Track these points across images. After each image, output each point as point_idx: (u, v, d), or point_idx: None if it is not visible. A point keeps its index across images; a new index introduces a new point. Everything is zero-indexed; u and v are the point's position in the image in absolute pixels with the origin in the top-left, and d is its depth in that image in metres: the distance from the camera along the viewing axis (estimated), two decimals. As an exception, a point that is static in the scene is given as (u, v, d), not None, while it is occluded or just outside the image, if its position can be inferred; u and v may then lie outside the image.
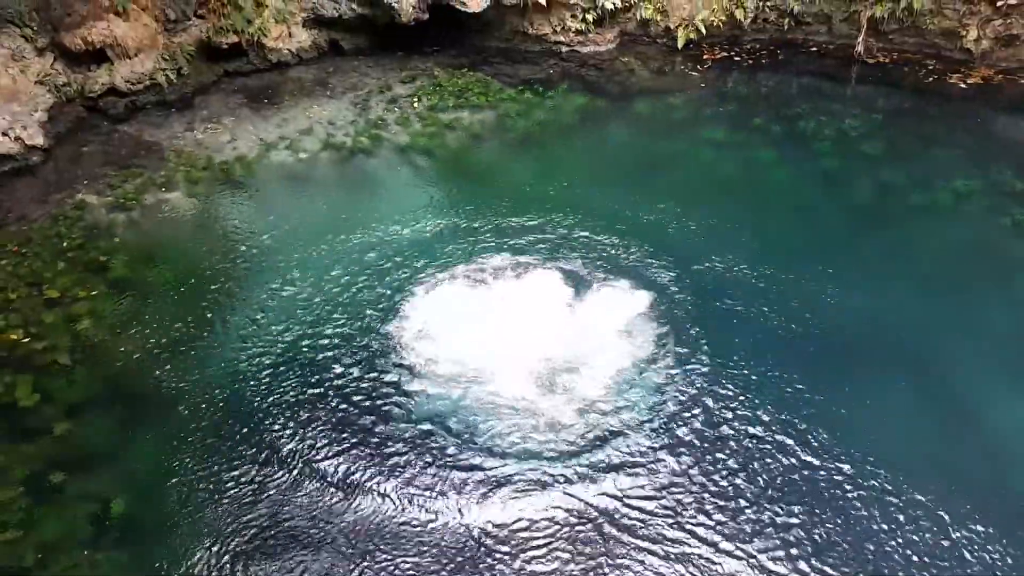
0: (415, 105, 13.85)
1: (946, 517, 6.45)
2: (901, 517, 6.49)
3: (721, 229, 10.11)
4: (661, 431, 7.30)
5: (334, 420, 7.61)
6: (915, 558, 6.17)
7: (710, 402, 7.59)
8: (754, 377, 7.89)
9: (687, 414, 7.47)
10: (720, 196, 10.91)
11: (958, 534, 6.33)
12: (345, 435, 7.44)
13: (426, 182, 11.74)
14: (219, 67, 14.96)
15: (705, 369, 7.96)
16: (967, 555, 6.18)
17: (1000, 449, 7.09)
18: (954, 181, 10.93)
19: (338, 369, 8.20)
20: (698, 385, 7.78)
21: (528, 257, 9.64)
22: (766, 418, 7.42)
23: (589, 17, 15.08)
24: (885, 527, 6.43)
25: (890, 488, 6.72)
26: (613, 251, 9.76)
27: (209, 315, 9.10)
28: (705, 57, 15.17)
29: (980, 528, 6.36)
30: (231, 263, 10.02)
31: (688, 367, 7.99)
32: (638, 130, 13.00)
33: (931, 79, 13.81)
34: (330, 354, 8.40)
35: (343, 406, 7.76)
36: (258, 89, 14.72)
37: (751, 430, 7.28)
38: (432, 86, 14.45)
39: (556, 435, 7.27)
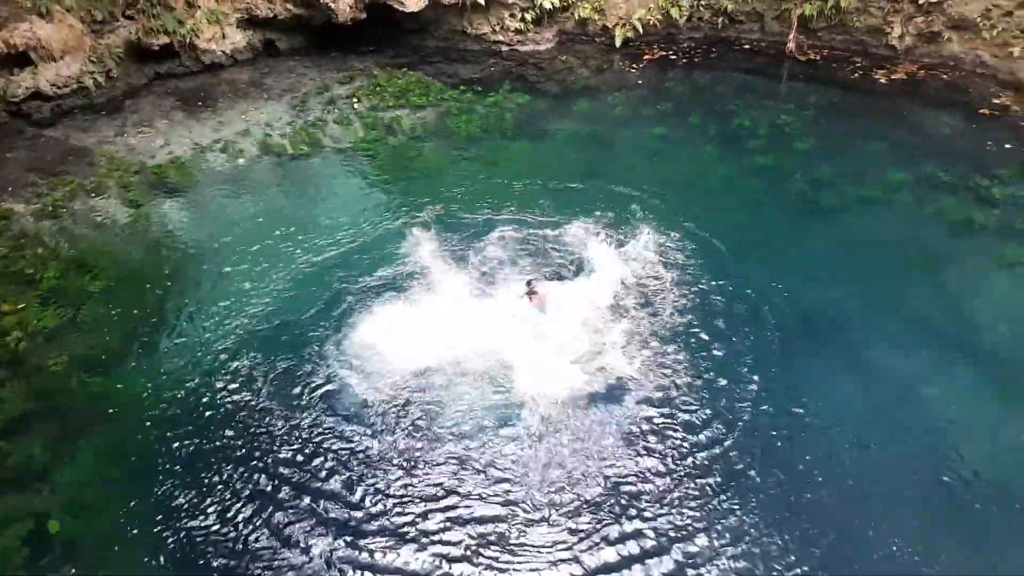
0: (355, 105, 13.71)
1: (867, 448, 6.77)
2: (831, 455, 7.04)
3: (663, 223, 10.26)
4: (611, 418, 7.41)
5: (276, 427, 7.47)
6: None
7: (665, 387, 7.73)
8: (703, 351, 8.16)
9: (642, 396, 7.60)
10: (661, 191, 11.05)
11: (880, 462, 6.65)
12: (289, 441, 7.31)
13: (368, 184, 11.63)
14: (150, 69, 14.56)
15: (652, 353, 8.09)
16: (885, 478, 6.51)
17: (924, 410, 7.50)
18: (884, 173, 11.32)
19: (278, 375, 8.05)
20: (654, 369, 7.92)
21: (472, 256, 9.63)
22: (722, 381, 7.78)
23: (528, 16, 15.17)
24: (816, 465, 6.91)
25: (821, 428, 7.30)
26: (559, 247, 9.81)
27: (145, 324, 8.84)
28: (643, 55, 15.39)
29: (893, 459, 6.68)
30: (167, 270, 9.76)
31: (641, 352, 8.11)
32: (580, 128, 13.10)
33: (858, 75, 14.29)
34: (271, 360, 8.24)
35: (283, 412, 7.62)
36: (191, 91, 14.37)
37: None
38: (371, 86, 14.32)
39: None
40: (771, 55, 15.21)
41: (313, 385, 7.89)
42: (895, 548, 6.29)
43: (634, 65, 15.10)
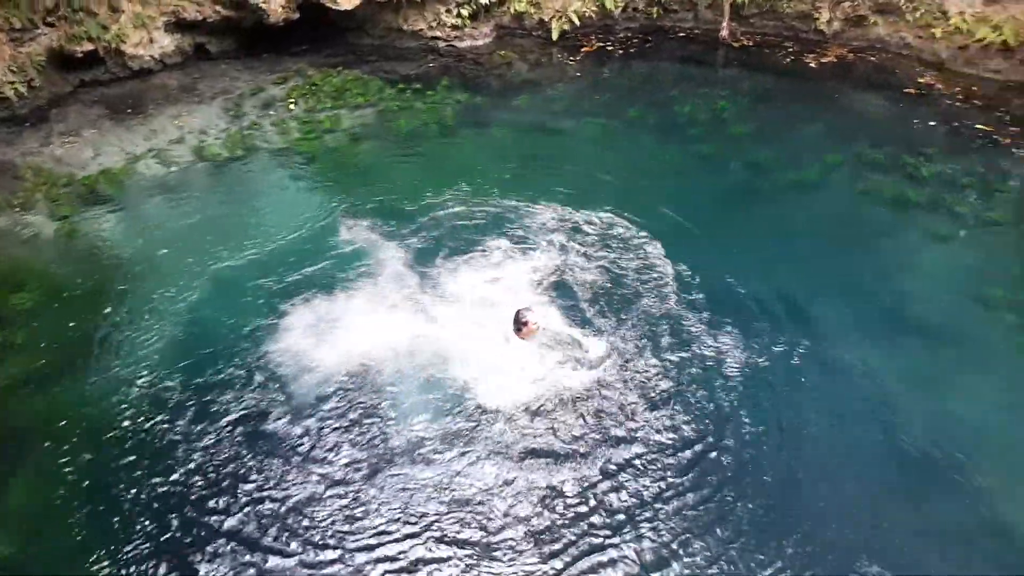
0: (291, 108, 13.47)
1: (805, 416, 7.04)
2: (781, 428, 7.26)
3: (605, 213, 10.31)
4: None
5: (215, 443, 7.28)
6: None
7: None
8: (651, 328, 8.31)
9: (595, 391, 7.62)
10: (604, 183, 11.11)
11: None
12: (228, 458, 7.13)
13: (308, 185, 11.44)
14: (75, 77, 14.07)
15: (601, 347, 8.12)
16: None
17: (866, 381, 7.73)
18: (820, 155, 11.57)
19: (218, 389, 7.83)
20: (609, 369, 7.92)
21: (415, 256, 9.53)
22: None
23: (464, 12, 15.08)
24: (767, 437, 7.10)
25: (770, 405, 7.50)
26: (500, 242, 9.77)
27: (79, 342, 8.53)
28: (581, 48, 15.45)
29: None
30: (101, 284, 9.43)
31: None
32: (521, 122, 13.07)
33: (790, 60, 14.57)
34: (209, 373, 8.01)
35: (225, 427, 7.43)
36: (120, 98, 13.94)
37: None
38: (308, 87, 14.08)
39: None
40: (706, 43, 15.41)
41: (249, 400, 7.71)
42: (834, 512, 6.52)
43: (572, 57, 15.15)
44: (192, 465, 7.07)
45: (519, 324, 7.71)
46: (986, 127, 12.14)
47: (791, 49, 14.95)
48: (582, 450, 7.05)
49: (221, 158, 12.09)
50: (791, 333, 8.34)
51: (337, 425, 7.34)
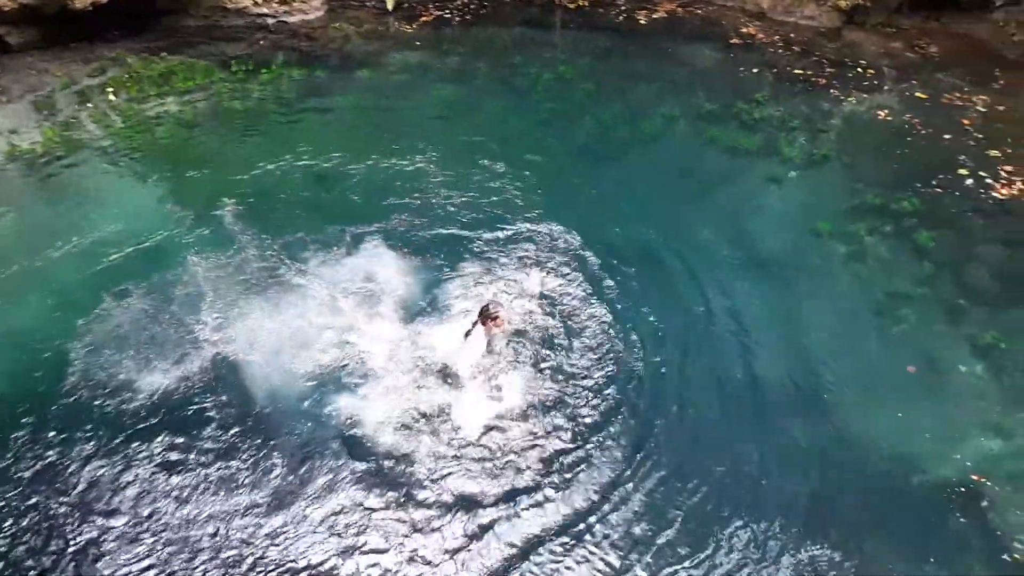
0: (111, 98, 12.39)
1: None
2: (657, 374, 7.53)
3: (465, 179, 10.29)
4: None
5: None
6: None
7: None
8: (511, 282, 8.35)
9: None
10: (460, 151, 10.99)
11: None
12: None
13: (138, 182, 10.57)
14: None
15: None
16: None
17: (726, 318, 8.16)
18: (660, 109, 12.02)
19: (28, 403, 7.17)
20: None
21: (260, 251, 9.11)
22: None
23: (291, -16, 14.39)
24: (609, 370, 7.38)
25: (642, 353, 7.74)
26: (367, 218, 9.53)
27: None
28: (419, 17, 15.13)
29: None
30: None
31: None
32: (365, 96, 12.68)
33: (623, 18, 14.94)
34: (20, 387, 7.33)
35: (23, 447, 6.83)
36: (-95, 103, 12.33)
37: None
38: (128, 76, 12.97)
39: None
40: (542, 5, 15.52)
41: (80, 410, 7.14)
42: (701, 440, 6.97)
43: (411, 27, 14.82)
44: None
45: (488, 317, 7.21)
46: (805, 71, 12.98)
47: (623, 7, 15.32)
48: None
49: (37, 160, 10.95)
50: (645, 278, 8.70)
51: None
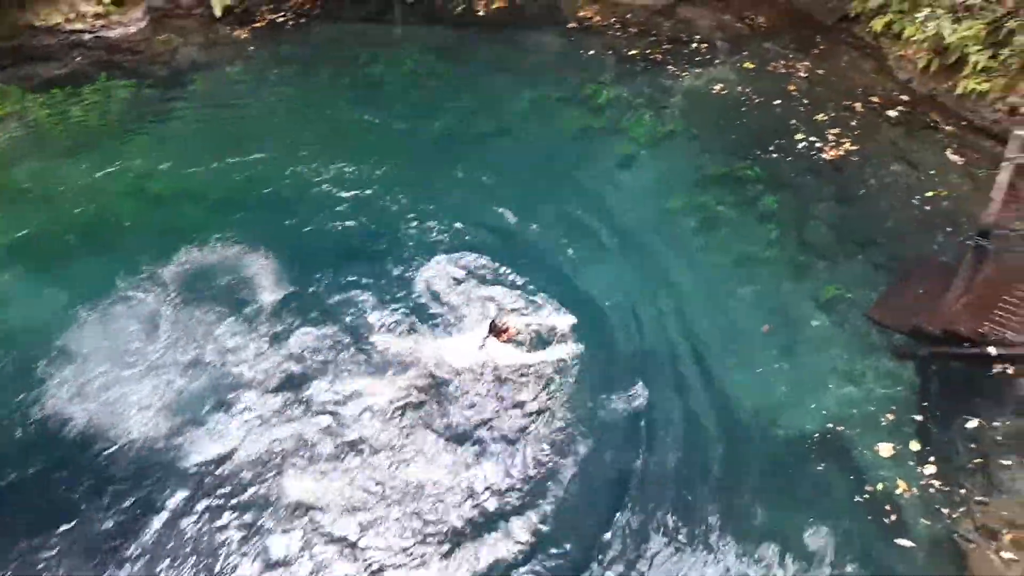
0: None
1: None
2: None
3: (315, 188, 9.96)
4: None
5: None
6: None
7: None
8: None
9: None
10: (310, 156, 10.53)
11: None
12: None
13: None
14: None
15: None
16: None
17: (597, 285, 8.22)
18: (511, 98, 12.06)
19: None
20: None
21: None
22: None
23: (105, -3, 13.35)
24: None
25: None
26: (213, 230, 9.06)
27: None
28: (252, 22, 14.42)
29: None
30: None
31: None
32: (202, 108, 12.03)
33: (461, 9, 14.79)
34: None
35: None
36: None
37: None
38: (-77, 107, 11.71)
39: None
40: (380, 1, 15.16)
41: None
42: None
43: (244, 33, 14.11)
44: None
45: (498, 331, 7.30)
46: (644, 51, 13.34)
47: (462, -2, 15.25)
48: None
49: None
50: (508, 265, 8.64)
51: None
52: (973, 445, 6.72)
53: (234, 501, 6.31)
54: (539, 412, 7.03)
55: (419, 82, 12.66)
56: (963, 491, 6.36)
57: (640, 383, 7.35)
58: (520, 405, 7.05)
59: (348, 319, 7.90)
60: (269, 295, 8.17)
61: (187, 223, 9.31)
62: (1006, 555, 5.82)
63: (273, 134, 11.17)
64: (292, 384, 7.24)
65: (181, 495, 6.35)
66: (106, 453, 6.66)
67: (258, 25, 14.35)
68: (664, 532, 6.18)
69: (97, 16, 13.48)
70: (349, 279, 8.42)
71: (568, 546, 6.09)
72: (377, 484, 6.44)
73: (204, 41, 13.93)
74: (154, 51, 13.53)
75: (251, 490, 6.40)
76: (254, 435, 6.81)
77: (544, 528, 6.17)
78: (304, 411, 7.00)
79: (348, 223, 9.38)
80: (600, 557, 6.02)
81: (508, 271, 8.56)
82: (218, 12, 14.06)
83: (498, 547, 6.04)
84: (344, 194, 9.83)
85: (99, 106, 11.97)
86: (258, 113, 11.88)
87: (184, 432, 6.81)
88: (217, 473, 6.53)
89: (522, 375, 7.27)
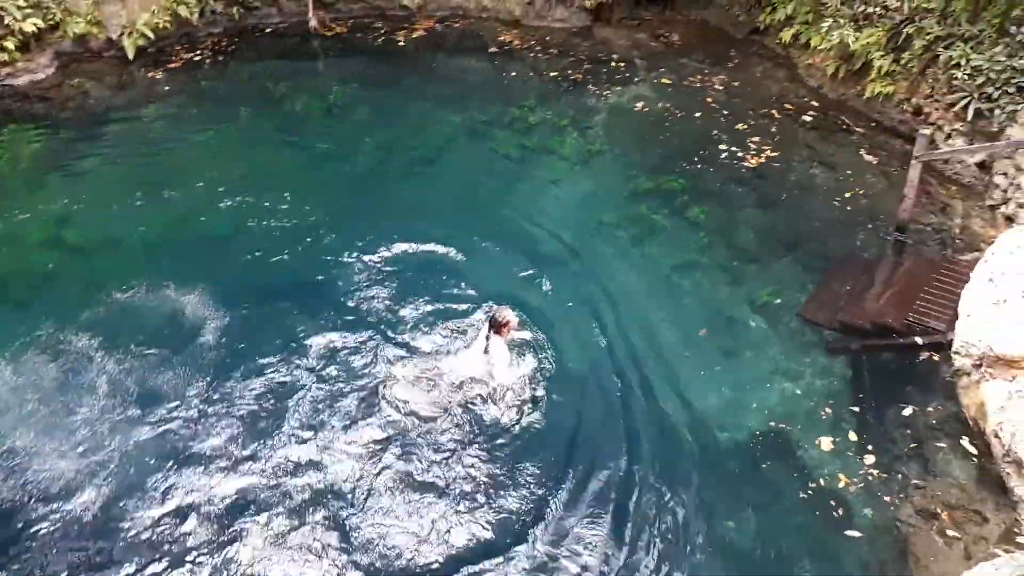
0: None
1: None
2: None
3: (254, 220, 9.82)
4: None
5: None
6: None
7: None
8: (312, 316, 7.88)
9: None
10: (231, 198, 10.28)
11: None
12: None
13: None
14: None
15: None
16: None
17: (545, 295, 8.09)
18: (438, 126, 12.10)
19: None
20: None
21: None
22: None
23: (9, 44, 12.82)
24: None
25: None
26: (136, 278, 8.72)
27: None
28: (167, 62, 14.12)
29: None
30: None
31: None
32: (118, 153, 11.61)
33: (382, 40, 14.85)
34: None
35: None
36: None
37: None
38: None
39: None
40: (297, 36, 15.09)
41: None
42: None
43: (159, 74, 13.80)
44: None
45: (499, 325, 7.17)
46: (565, 72, 13.58)
47: (382, 29, 15.28)
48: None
49: None
50: (451, 282, 8.65)
51: None
52: (908, 431, 6.92)
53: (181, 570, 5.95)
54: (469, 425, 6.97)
55: (343, 114, 12.60)
56: (900, 477, 6.54)
57: (579, 394, 7.37)
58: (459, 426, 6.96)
59: (291, 356, 7.65)
60: (204, 337, 7.88)
61: (109, 269, 8.95)
62: (949, 533, 5.99)
63: (194, 174, 10.85)
64: (238, 434, 6.88)
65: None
66: (32, 530, 6.14)
67: (174, 65, 14.07)
68: (608, 543, 6.10)
69: (2, 64, 12.97)
70: (285, 313, 8.24)
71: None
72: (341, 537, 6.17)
73: (118, 84, 13.56)
74: (65, 96, 13.09)
75: (200, 555, 6.02)
76: (197, 493, 6.39)
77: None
78: (252, 462, 6.64)
79: (280, 258, 9.16)
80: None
81: (451, 291, 8.53)
82: (131, 54, 13.71)
83: None
84: (274, 230, 9.62)
85: (9, 155, 11.53)
86: (178, 154, 11.57)
87: (123, 496, 6.35)
88: (161, 538, 6.07)
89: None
